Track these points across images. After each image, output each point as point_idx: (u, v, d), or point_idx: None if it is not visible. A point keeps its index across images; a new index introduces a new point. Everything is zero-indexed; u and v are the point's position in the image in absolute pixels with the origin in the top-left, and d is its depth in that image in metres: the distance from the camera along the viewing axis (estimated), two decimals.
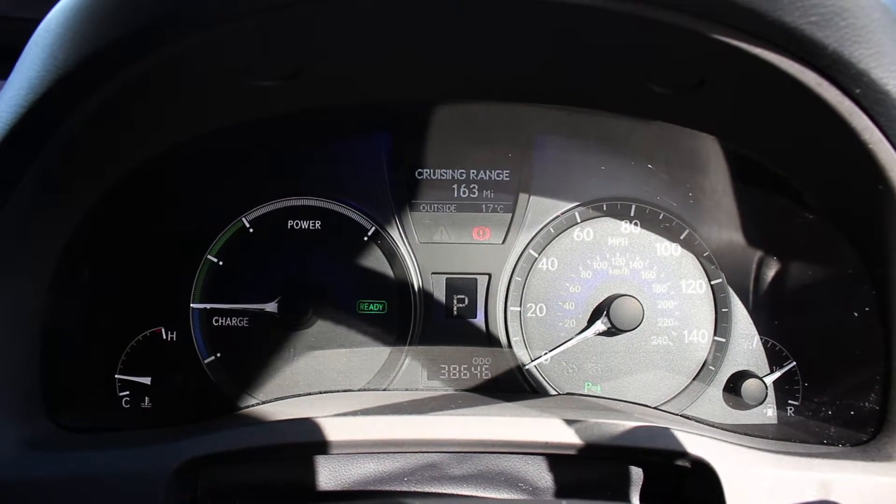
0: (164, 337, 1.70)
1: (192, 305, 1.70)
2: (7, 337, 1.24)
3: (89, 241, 1.45)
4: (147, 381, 1.67)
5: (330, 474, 1.37)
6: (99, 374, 1.66)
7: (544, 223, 1.73)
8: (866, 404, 1.44)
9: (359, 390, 1.68)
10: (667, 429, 1.28)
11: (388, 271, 1.72)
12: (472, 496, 1.38)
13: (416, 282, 1.71)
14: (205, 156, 1.65)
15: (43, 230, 1.27)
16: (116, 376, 1.67)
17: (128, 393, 1.67)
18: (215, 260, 1.70)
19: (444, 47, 1.33)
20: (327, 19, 1.14)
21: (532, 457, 1.38)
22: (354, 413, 1.32)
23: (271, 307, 1.66)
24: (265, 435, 1.26)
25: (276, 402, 1.51)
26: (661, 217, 1.73)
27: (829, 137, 1.17)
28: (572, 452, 1.29)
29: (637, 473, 1.39)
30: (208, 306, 1.70)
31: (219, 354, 1.69)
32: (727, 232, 1.72)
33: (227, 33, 1.09)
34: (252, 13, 1.06)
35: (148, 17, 1.03)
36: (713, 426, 1.47)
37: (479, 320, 1.73)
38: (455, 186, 1.75)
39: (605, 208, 1.73)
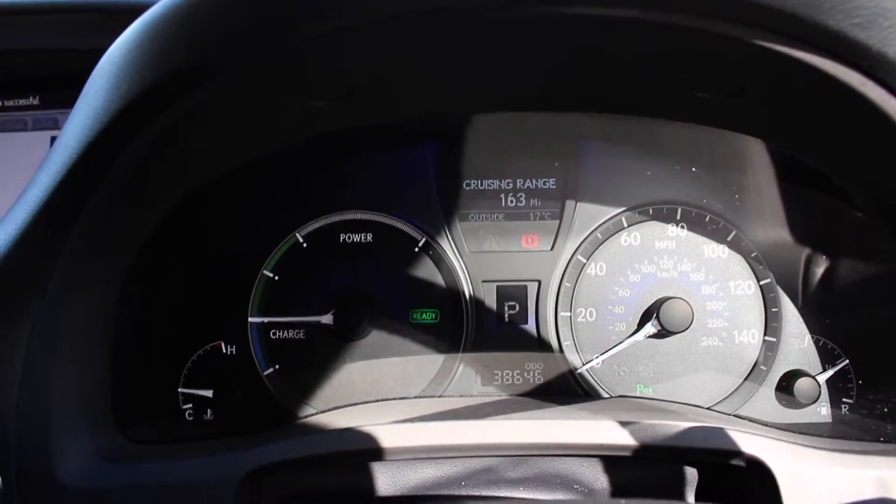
0: (224, 351, 1.74)
1: (250, 319, 1.74)
2: (81, 353, 1.29)
3: (152, 260, 1.50)
4: (209, 393, 1.71)
5: (388, 480, 1.39)
6: (163, 389, 1.71)
7: (591, 229, 1.75)
8: None
9: (414, 397, 1.71)
10: (721, 429, 1.29)
11: (440, 281, 1.75)
12: (529, 498, 1.40)
13: (467, 290, 1.74)
14: (258, 174, 1.68)
15: (110, 250, 1.31)
16: (179, 390, 1.72)
17: (191, 406, 1.72)
18: (271, 275, 1.74)
19: (492, 62, 1.35)
20: (383, 43, 1.17)
21: (587, 459, 1.40)
22: (411, 420, 1.35)
23: (327, 319, 1.70)
24: (326, 443, 1.30)
25: (334, 410, 1.54)
26: (707, 219, 1.73)
27: (874, 136, 1.17)
28: (627, 454, 1.31)
29: (692, 474, 1.40)
30: (266, 320, 1.74)
31: (277, 366, 1.73)
32: (774, 232, 1.72)
33: (285, 64, 1.13)
34: (307, 49, 1.10)
35: (207, 50, 1.07)
36: (767, 426, 1.46)
37: (531, 326, 1.75)
38: (502, 196, 1.77)
39: (651, 212, 1.74)
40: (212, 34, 1.06)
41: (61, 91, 2.27)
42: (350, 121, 1.54)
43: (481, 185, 1.77)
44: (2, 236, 1.17)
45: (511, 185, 1.77)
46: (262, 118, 1.40)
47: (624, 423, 1.30)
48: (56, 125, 2.29)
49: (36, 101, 2.34)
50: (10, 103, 2.36)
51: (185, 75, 1.09)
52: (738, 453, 1.26)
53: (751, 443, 1.26)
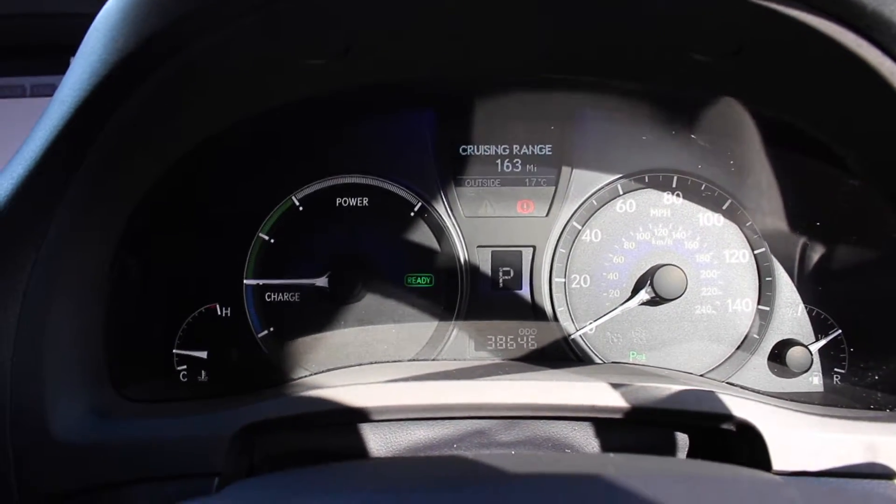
0: (219, 313, 1.75)
1: (245, 282, 1.74)
2: (75, 310, 1.29)
3: (148, 220, 1.49)
4: (203, 355, 1.72)
5: (380, 441, 1.40)
6: (158, 349, 1.71)
7: (587, 196, 1.75)
8: None
9: (408, 361, 1.72)
10: (712, 392, 1.30)
11: (435, 245, 1.75)
12: (519, 454, 1.40)
13: (462, 255, 1.74)
14: (254, 137, 1.69)
15: (106, 207, 1.32)
16: (174, 351, 1.73)
17: (185, 367, 1.73)
18: (267, 238, 1.75)
19: (488, 22, 1.35)
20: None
21: (579, 423, 1.41)
22: (404, 379, 1.36)
23: (322, 282, 1.70)
24: (319, 401, 1.30)
25: (328, 372, 1.55)
26: (703, 187, 1.73)
27: (871, 99, 1.17)
28: (619, 416, 1.31)
29: (683, 439, 1.41)
30: (261, 282, 1.74)
31: (272, 329, 1.74)
32: (770, 201, 1.72)
33: (280, 13, 1.12)
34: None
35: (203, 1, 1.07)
36: (759, 393, 1.47)
37: (525, 292, 1.76)
38: (498, 161, 1.77)
39: (647, 180, 1.74)
40: None
41: (61, 57, 2.27)
42: (346, 80, 1.54)
43: (477, 150, 1.77)
44: None
45: (507, 150, 1.77)
46: (259, 75, 1.40)
47: (616, 386, 1.31)
48: (54, 91, 2.28)
49: (35, 66, 2.34)
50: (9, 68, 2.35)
51: (181, 27, 1.09)
52: (728, 417, 1.27)
53: (742, 407, 1.27)
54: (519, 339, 1.75)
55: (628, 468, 0.99)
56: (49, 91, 2.31)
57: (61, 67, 2.26)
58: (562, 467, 0.98)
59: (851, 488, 1.20)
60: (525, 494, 0.85)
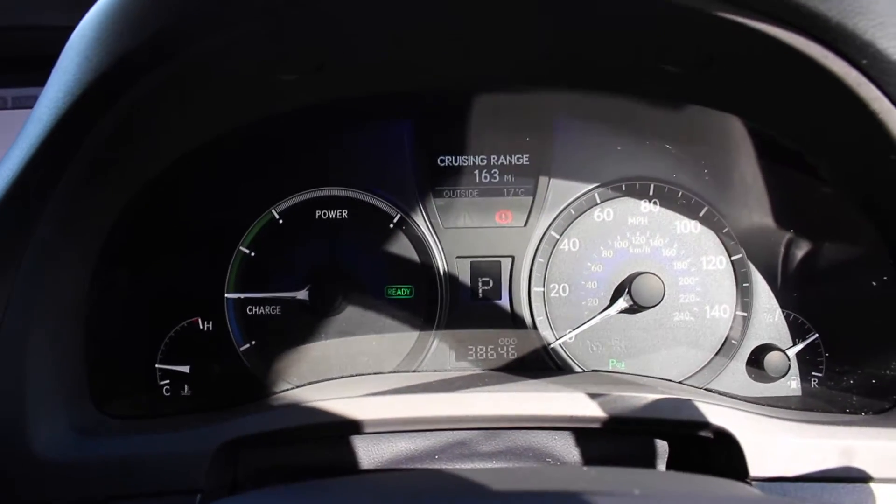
0: (201, 327, 1.75)
1: (226, 295, 1.75)
2: (53, 329, 1.28)
3: (128, 236, 1.49)
4: (186, 369, 1.72)
5: (363, 453, 1.41)
6: (140, 364, 1.71)
7: (565, 205, 1.76)
8: (888, 372, 1.46)
9: (389, 372, 1.73)
10: (689, 400, 1.31)
11: (415, 256, 1.76)
12: (501, 467, 1.41)
13: (441, 266, 1.75)
14: (233, 151, 1.70)
15: (83, 225, 1.31)
16: (157, 366, 1.72)
17: (168, 381, 1.73)
18: (247, 251, 1.75)
19: (462, 37, 1.36)
20: (349, 12, 1.17)
21: (559, 433, 1.42)
22: (385, 392, 1.37)
23: (302, 295, 1.71)
24: (301, 415, 1.31)
25: (310, 385, 1.55)
26: (679, 195, 1.75)
27: (839, 110, 1.18)
28: (598, 426, 1.32)
29: (662, 447, 1.42)
30: (242, 296, 1.75)
31: (254, 342, 1.74)
32: (746, 208, 1.74)
33: (251, 31, 1.13)
34: (273, 11, 1.10)
35: (174, 20, 1.07)
36: (737, 399, 1.48)
37: (504, 302, 1.77)
38: (476, 172, 1.78)
39: (624, 188, 1.76)
40: (181, 4, 1.06)
41: (42, 69, 2.26)
42: (322, 94, 1.55)
43: (455, 161, 1.78)
44: None
45: (485, 161, 1.78)
46: (234, 91, 1.40)
47: (595, 396, 1.32)
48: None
49: (16, 79, 2.33)
50: None
51: (154, 46, 1.09)
52: (705, 424, 1.28)
53: (718, 414, 1.28)
54: (499, 349, 1.76)
55: (609, 482, 1.00)
56: (31, 103, 2.27)
57: (43, 79, 2.26)
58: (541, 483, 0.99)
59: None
60: None
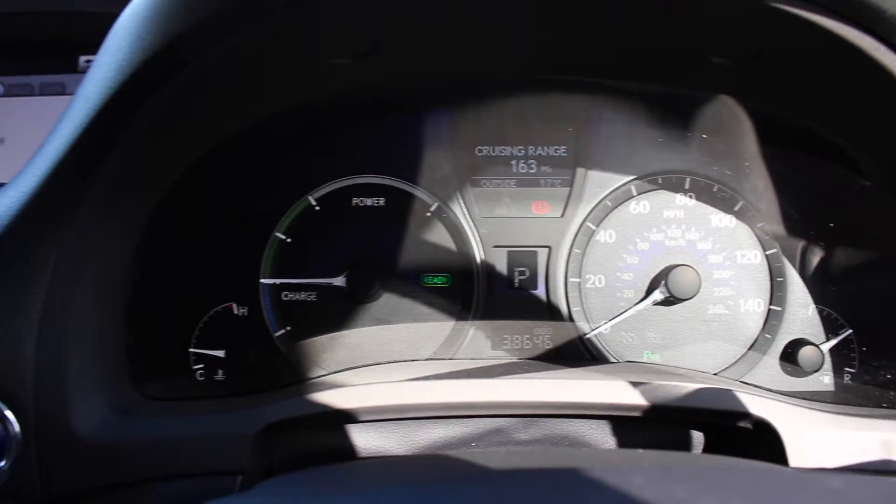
0: (236, 312, 1.75)
1: (262, 281, 1.75)
2: (97, 307, 1.30)
3: (167, 219, 1.50)
4: (221, 354, 1.72)
5: (399, 440, 1.42)
6: (176, 348, 1.72)
7: (601, 197, 1.76)
8: None
9: (425, 360, 1.73)
10: (729, 390, 1.31)
11: (451, 245, 1.76)
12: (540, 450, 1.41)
13: (478, 255, 1.76)
14: (272, 136, 1.70)
15: (127, 206, 1.33)
16: (191, 350, 1.73)
17: (202, 366, 1.73)
18: (283, 237, 1.76)
19: (509, 23, 1.36)
20: None
21: (596, 421, 1.42)
22: (422, 378, 1.37)
23: (339, 281, 1.71)
24: (339, 399, 1.32)
25: (345, 371, 1.56)
26: (715, 189, 1.75)
27: (885, 102, 1.18)
28: (636, 414, 1.33)
29: (698, 438, 1.42)
30: (278, 281, 1.75)
31: (289, 328, 1.75)
32: (781, 202, 1.74)
33: (310, 11, 1.14)
34: None
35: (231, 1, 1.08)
36: (772, 392, 1.48)
37: (541, 292, 1.77)
38: (514, 162, 1.79)
39: (660, 181, 1.76)
40: None
41: (70, 55, 2.28)
42: (364, 80, 1.55)
43: (493, 151, 1.79)
44: (20, 188, 1.17)
45: (522, 151, 1.79)
46: (284, 74, 1.41)
47: (633, 384, 1.32)
48: (63, 90, 2.29)
49: (44, 65, 2.34)
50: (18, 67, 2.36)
51: (209, 27, 1.10)
52: (745, 414, 1.28)
53: (758, 404, 1.29)
54: (535, 339, 1.76)
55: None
56: (58, 90, 2.31)
57: (70, 66, 2.28)
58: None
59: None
60: (550, 485, 0.87)
